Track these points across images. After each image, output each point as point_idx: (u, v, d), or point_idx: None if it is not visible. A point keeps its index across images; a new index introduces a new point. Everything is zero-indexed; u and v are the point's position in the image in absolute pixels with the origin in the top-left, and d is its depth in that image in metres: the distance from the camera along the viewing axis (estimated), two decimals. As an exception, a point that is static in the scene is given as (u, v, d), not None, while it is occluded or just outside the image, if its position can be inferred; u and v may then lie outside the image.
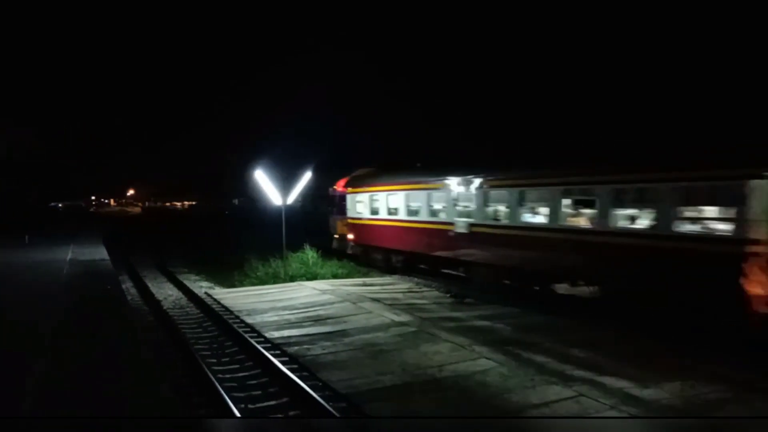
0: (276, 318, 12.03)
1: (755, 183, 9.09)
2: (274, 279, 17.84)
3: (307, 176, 19.02)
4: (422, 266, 18.83)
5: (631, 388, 7.50)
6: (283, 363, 8.78)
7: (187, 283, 17.88)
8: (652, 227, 10.76)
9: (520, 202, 13.77)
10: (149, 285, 17.52)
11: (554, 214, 12.74)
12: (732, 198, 9.43)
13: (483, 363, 8.65)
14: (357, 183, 21.18)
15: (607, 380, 7.80)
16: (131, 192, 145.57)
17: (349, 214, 21.45)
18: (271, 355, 9.23)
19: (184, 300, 15.38)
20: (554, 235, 12.67)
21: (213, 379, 8.13)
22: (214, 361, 9.51)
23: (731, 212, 9.58)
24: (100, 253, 22.04)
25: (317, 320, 11.74)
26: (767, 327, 8.85)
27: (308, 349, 9.59)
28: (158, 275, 20.49)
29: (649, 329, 10.32)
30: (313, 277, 18.12)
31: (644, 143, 14.27)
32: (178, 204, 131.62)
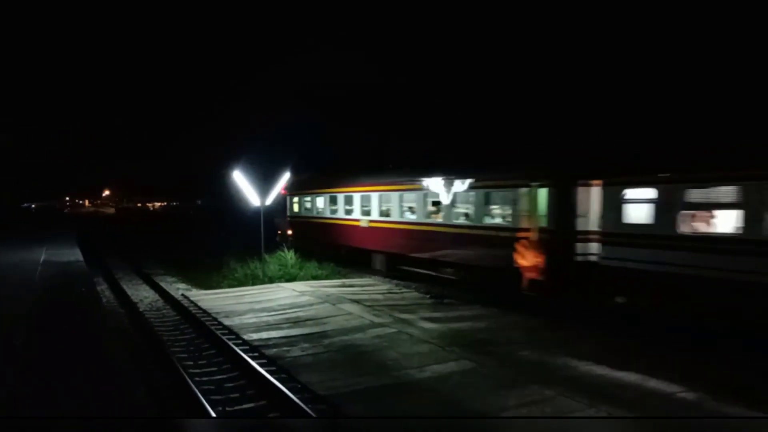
0: (254, 320, 11.93)
1: (522, 191, 13.47)
2: (253, 280, 17.69)
3: (285, 177, 18.92)
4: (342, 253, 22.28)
5: (611, 387, 7.57)
6: (261, 365, 8.71)
7: (163, 285, 17.63)
8: (472, 220, 15.36)
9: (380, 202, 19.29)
10: (125, 287, 17.24)
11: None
12: (512, 200, 13.92)
13: (463, 363, 8.67)
14: (293, 187, 25.39)
15: (586, 379, 7.87)
16: (107, 192, 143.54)
17: (288, 213, 26.08)
18: (250, 357, 9.15)
19: (160, 302, 15.17)
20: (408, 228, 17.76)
21: (190, 382, 8.03)
22: (191, 363, 9.40)
23: (510, 209, 14.03)
24: (74, 254, 21.64)
25: (296, 322, 11.67)
26: (534, 288, 12.89)
27: (287, 351, 9.52)
28: (134, 277, 20.18)
29: (617, 329, 10.47)
30: (293, 279, 18.02)
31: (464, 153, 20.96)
32: (149, 204, 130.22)
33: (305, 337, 10.36)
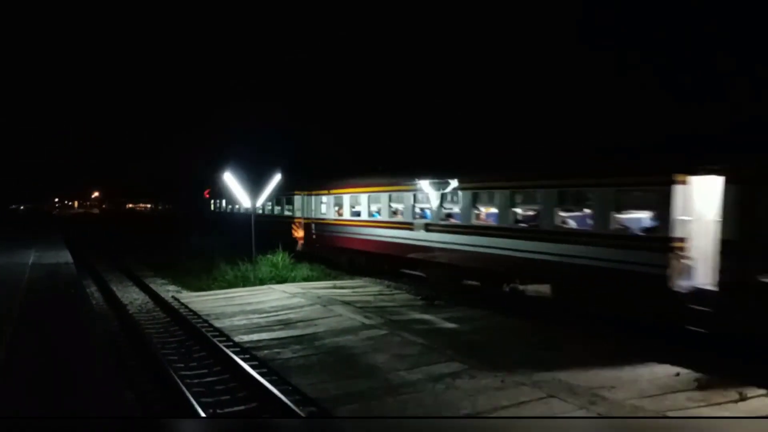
0: (245, 322, 11.90)
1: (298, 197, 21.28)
2: (243, 282, 17.64)
3: (276, 178, 18.90)
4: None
5: (600, 389, 7.62)
6: (252, 367, 8.69)
7: (153, 286, 17.53)
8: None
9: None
10: (114, 289, 17.14)
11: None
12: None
13: (453, 365, 8.69)
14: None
15: (573, 380, 7.91)
16: (96, 194, 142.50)
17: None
18: (240, 359, 9.12)
19: (150, 304, 15.09)
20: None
21: (180, 384, 8.00)
22: (182, 365, 9.36)
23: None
24: (63, 256, 21.49)
25: (287, 323, 11.65)
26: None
27: (278, 352, 9.51)
28: (123, 279, 20.06)
29: (607, 329, 10.55)
30: (283, 281, 17.98)
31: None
32: (140, 206, 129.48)
33: (296, 339, 10.35)
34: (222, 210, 35.83)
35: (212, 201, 38.54)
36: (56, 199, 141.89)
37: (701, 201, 9.66)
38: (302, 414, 6.94)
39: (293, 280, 18.22)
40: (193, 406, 7.26)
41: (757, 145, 9.32)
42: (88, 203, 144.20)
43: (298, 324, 11.60)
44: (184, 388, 7.84)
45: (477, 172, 15.25)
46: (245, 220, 20.59)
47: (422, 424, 4.15)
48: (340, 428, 3.16)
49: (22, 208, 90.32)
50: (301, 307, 13.40)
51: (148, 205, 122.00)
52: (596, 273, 11.13)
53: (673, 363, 8.51)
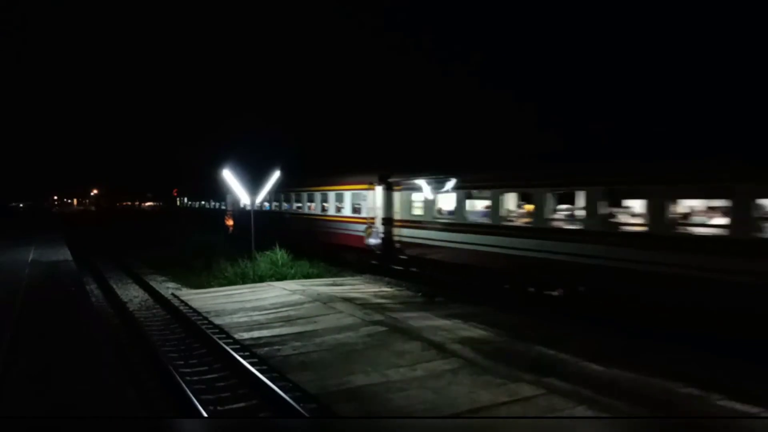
0: (245, 319, 11.90)
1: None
2: (243, 279, 17.64)
3: (275, 175, 18.88)
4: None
5: (598, 389, 7.62)
6: (252, 364, 8.69)
7: (153, 284, 17.54)
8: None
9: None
10: (114, 286, 17.15)
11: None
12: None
13: (453, 362, 8.70)
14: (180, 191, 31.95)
15: (573, 378, 7.92)
16: (95, 192, 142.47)
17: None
18: (240, 356, 9.12)
19: (150, 301, 15.10)
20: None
21: (180, 381, 8.00)
22: (182, 363, 9.36)
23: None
24: (63, 253, 21.47)
25: (287, 321, 11.65)
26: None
27: (278, 350, 9.51)
28: (123, 276, 20.06)
29: (608, 326, 10.55)
30: (283, 278, 17.98)
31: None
32: (140, 204, 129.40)
33: (296, 336, 10.35)
34: (185, 205, 48.33)
35: (177, 198, 51.04)
36: (55, 197, 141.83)
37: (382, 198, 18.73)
38: (302, 410, 6.94)
39: (293, 277, 18.22)
40: (193, 403, 7.27)
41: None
42: (86, 201, 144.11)
43: (298, 321, 11.60)
44: (184, 386, 7.85)
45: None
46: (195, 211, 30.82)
47: (424, 423, 4.14)
48: (343, 428, 3.15)
49: (21, 205, 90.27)
50: (301, 304, 13.40)
51: (152, 203, 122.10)
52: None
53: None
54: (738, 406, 6.86)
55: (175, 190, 51.06)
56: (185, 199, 48.74)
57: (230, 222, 31.62)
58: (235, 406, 7.60)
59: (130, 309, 13.72)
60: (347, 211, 20.86)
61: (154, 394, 8.01)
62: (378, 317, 11.77)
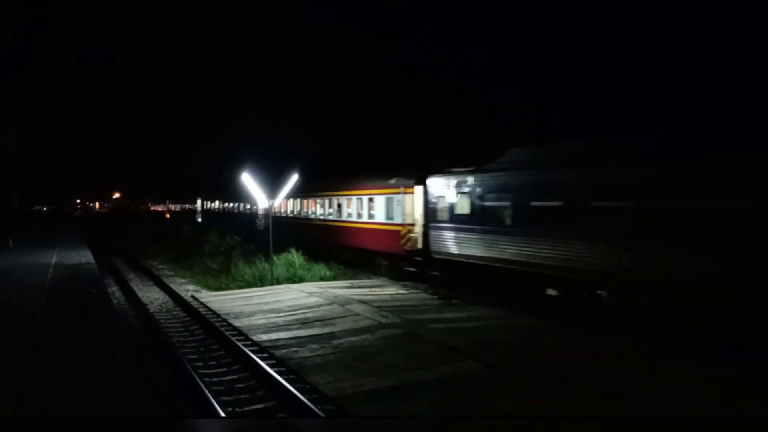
0: (263, 321, 12.00)
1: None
2: (261, 282, 17.78)
3: (294, 178, 19.03)
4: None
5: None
6: (270, 366, 8.77)
7: (173, 286, 17.76)
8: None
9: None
10: (135, 288, 17.39)
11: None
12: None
13: (470, 365, 8.69)
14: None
15: (590, 382, 7.87)
16: (117, 195, 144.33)
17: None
18: (259, 358, 9.21)
19: (170, 303, 15.29)
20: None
21: (200, 383, 8.10)
22: (201, 364, 9.48)
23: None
24: (85, 256, 21.83)
25: (305, 323, 11.72)
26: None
27: (296, 351, 9.58)
28: (144, 278, 20.34)
29: (624, 330, 10.46)
30: (300, 280, 18.09)
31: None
32: (161, 208, 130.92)
33: (314, 338, 10.41)
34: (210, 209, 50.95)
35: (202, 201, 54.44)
36: (78, 201, 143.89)
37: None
38: (319, 412, 6.99)
39: (310, 279, 18.31)
40: (212, 404, 7.36)
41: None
42: (105, 205, 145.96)
43: (316, 323, 11.67)
44: (203, 387, 7.94)
45: None
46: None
47: (441, 424, 4.15)
48: (359, 429, 3.18)
49: (45, 209, 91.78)
50: (319, 306, 13.48)
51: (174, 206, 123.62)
52: None
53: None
54: None
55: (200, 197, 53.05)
56: (208, 203, 50.19)
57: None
58: (253, 407, 7.67)
59: (150, 311, 13.91)
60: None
61: (173, 394, 8.12)
62: (395, 319, 11.80)
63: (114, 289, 17.60)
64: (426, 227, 17.14)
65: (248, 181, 18.12)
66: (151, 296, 16.45)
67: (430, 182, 17.03)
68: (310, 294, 15.12)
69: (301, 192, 24.41)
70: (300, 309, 13.18)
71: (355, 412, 6.96)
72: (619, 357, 9.02)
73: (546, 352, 9.31)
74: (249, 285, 17.53)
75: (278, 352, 9.56)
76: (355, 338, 10.39)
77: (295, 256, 19.80)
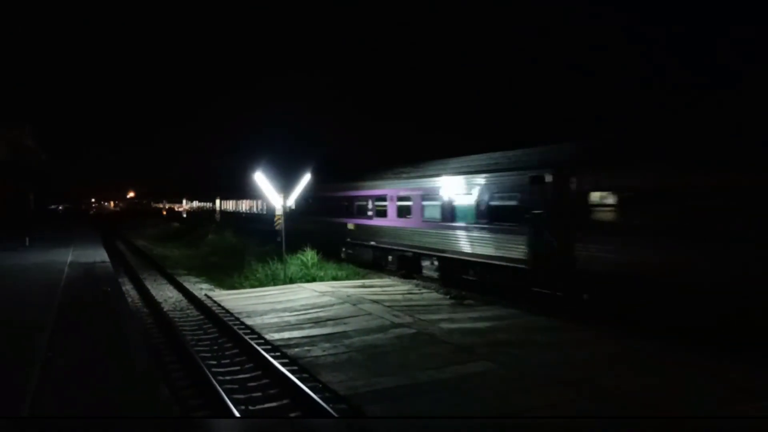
0: (276, 320, 12.05)
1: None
2: (274, 281, 17.86)
3: (306, 178, 19.10)
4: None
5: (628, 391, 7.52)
6: (283, 365, 8.81)
7: (186, 285, 17.89)
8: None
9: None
10: (149, 287, 17.54)
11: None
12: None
13: (482, 365, 8.67)
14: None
15: (605, 383, 7.82)
16: (131, 194, 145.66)
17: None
18: (271, 356, 9.26)
19: (184, 302, 15.40)
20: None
21: (213, 381, 8.16)
22: (215, 363, 9.54)
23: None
24: (100, 255, 22.05)
25: (317, 322, 11.76)
26: None
27: (308, 350, 9.61)
28: (158, 277, 20.51)
29: (641, 329, 10.37)
30: (313, 279, 18.15)
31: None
32: (177, 207, 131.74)
33: (326, 337, 10.45)
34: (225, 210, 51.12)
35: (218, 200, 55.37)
36: (93, 200, 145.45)
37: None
38: (332, 411, 7.01)
39: (322, 279, 18.37)
40: (225, 402, 7.41)
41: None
42: (120, 204, 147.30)
43: (328, 322, 11.70)
44: (217, 385, 8.00)
45: None
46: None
47: (453, 424, 4.15)
48: (372, 429, 3.19)
49: (60, 208, 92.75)
50: (331, 305, 13.51)
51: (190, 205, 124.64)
52: None
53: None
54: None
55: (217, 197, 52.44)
56: (223, 203, 50.35)
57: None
58: (266, 405, 7.71)
59: (165, 309, 14.02)
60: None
61: (186, 392, 8.18)
62: (407, 319, 11.80)
63: (128, 287, 17.76)
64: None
65: (261, 180, 18.20)
66: (165, 295, 16.58)
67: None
68: (323, 293, 15.17)
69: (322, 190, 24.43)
70: (312, 308, 13.23)
71: (368, 412, 6.98)
72: (638, 358, 8.95)
73: (561, 353, 9.27)
74: (262, 284, 17.61)
75: (291, 351, 9.60)
76: (367, 337, 10.41)
77: (308, 256, 19.85)
